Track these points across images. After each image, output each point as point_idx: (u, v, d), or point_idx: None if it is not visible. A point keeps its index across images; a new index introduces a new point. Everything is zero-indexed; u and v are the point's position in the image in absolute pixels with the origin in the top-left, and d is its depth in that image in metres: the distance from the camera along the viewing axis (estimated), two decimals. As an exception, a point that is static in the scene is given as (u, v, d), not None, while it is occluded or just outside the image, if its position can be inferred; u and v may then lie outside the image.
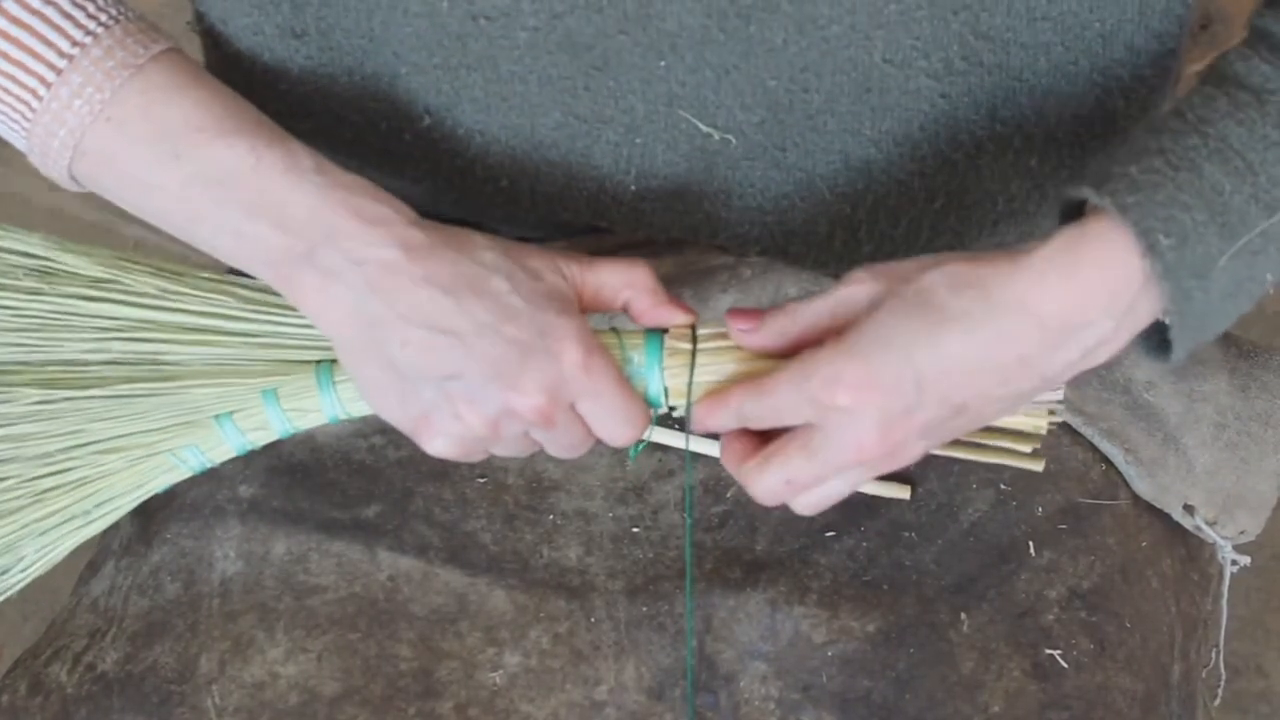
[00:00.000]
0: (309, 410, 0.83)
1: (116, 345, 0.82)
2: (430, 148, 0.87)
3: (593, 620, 0.84)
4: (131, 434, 0.83)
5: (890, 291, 0.74)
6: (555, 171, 0.86)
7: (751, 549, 0.86)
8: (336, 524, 0.86)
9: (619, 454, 0.90)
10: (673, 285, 0.91)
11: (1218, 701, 1.01)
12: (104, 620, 0.86)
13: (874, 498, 0.87)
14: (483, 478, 0.89)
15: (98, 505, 0.85)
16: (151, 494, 0.85)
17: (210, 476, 0.88)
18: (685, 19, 0.79)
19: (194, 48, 0.91)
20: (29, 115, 0.76)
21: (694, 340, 0.79)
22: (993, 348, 0.73)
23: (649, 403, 0.79)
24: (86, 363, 0.82)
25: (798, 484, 0.76)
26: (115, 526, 0.93)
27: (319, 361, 0.83)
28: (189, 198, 0.75)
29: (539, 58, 0.80)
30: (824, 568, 0.85)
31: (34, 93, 0.75)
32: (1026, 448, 0.83)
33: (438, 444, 0.77)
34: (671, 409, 0.80)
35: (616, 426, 0.77)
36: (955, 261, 0.73)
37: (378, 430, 0.90)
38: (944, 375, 0.73)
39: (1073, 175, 0.89)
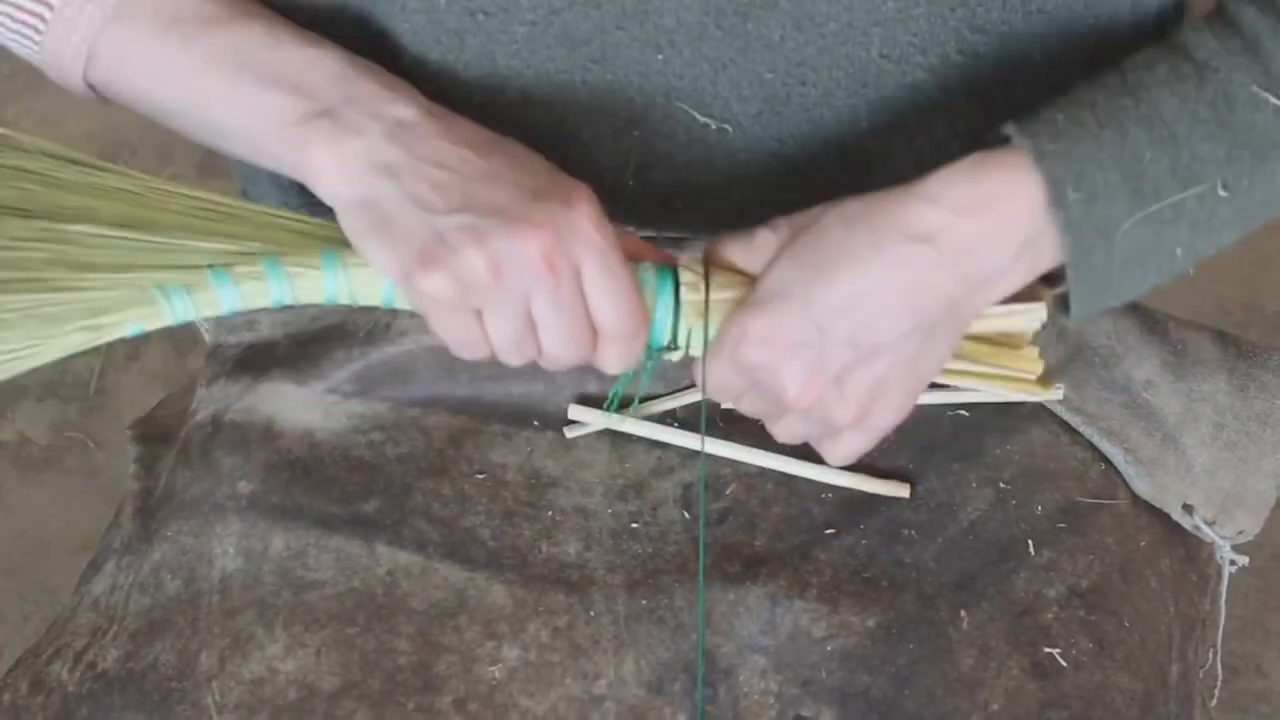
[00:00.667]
0: (310, 270, 0.78)
1: (100, 206, 0.79)
2: None
3: (592, 614, 0.84)
4: (115, 264, 0.78)
5: (791, 239, 0.75)
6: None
7: (751, 544, 0.86)
8: (335, 519, 0.87)
9: (618, 451, 0.90)
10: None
11: (1215, 701, 1.01)
12: (105, 618, 0.86)
13: (874, 496, 0.87)
14: (481, 474, 0.89)
15: (65, 318, 0.78)
16: (129, 331, 0.79)
17: (209, 473, 0.88)
18: (683, 15, 0.79)
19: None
20: (41, 28, 0.78)
21: (707, 286, 0.78)
22: (884, 279, 0.73)
23: (651, 341, 0.78)
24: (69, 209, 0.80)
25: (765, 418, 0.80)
26: (116, 525, 0.93)
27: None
28: (201, 78, 0.77)
29: (536, 52, 0.81)
30: (824, 564, 0.85)
31: (46, 3, 0.78)
32: (1032, 372, 0.82)
33: (434, 281, 0.73)
34: (670, 347, 0.79)
35: (618, 303, 0.75)
36: (852, 200, 0.74)
37: (376, 427, 0.90)
38: (844, 315, 0.74)
39: None
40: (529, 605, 0.84)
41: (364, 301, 0.78)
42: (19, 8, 0.79)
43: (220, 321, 0.96)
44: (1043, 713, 0.81)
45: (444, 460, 0.89)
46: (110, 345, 1.85)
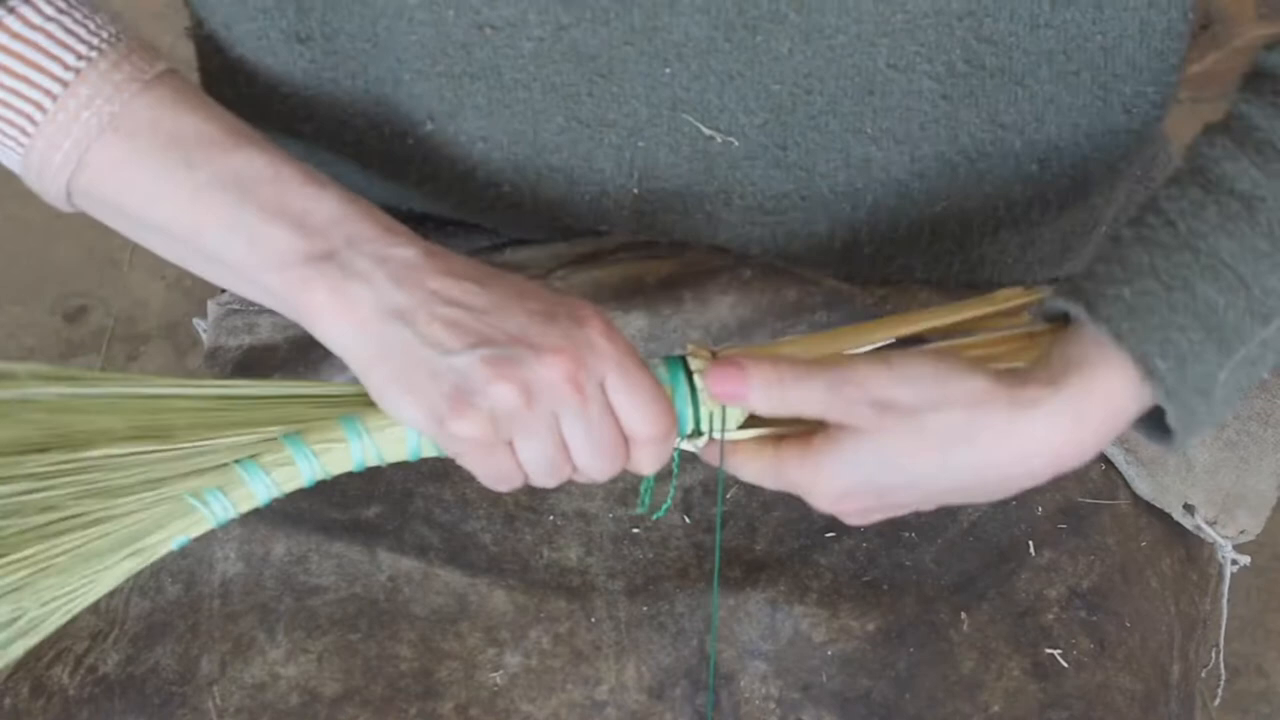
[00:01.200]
0: (335, 444, 0.78)
1: (117, 422, 0.79)
2: (432, 152, 0.87)
3: (593, 620, 0.84)
4: (141, 481, 0.78)
5: (881, 426, 0.74)
6: (557, 176, 0.86)
7: (751, 549, 0.86)
8: (336, 525, 0.86)
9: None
10: (673, 287, 0.91)
11: (1218, 701, 1.01)
12: (105, 622, 0.86)
13: (874, 498, 0.87)
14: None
15: (112, 549, 0.79)
16: (174, 544, 0.79)
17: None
18: (691, 30, 0.79)
19: (190, 54, 0.91)
20: (30, 129, 0.75)
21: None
22: (976, 487, 0.76)
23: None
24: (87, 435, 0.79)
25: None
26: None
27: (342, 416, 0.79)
28: (200, 203, 0.75)
29: (543, 66, 0.80)
30: (824, 568, 0.85)
31: (38, 105, 0.75)
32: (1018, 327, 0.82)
33: (468, 424, 0.73)
34: (694, 434, 0.78)
35: (646, 409, 0.75)
36: (955, 409, 0.73)
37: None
38: (924, 502, 0.78)
39: (1074, 184, 0.89)
40: (530, 611, 0.84)
41: (391, 459, 0.78)
42: (5, 105, 0.75)
43: (219, 324, 0.96)
44: (1044, 714, 0.81)
45: (445, 465, 0.89)
46: (110, 345, 1.86)
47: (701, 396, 0.77)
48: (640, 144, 0.84)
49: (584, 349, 0.73)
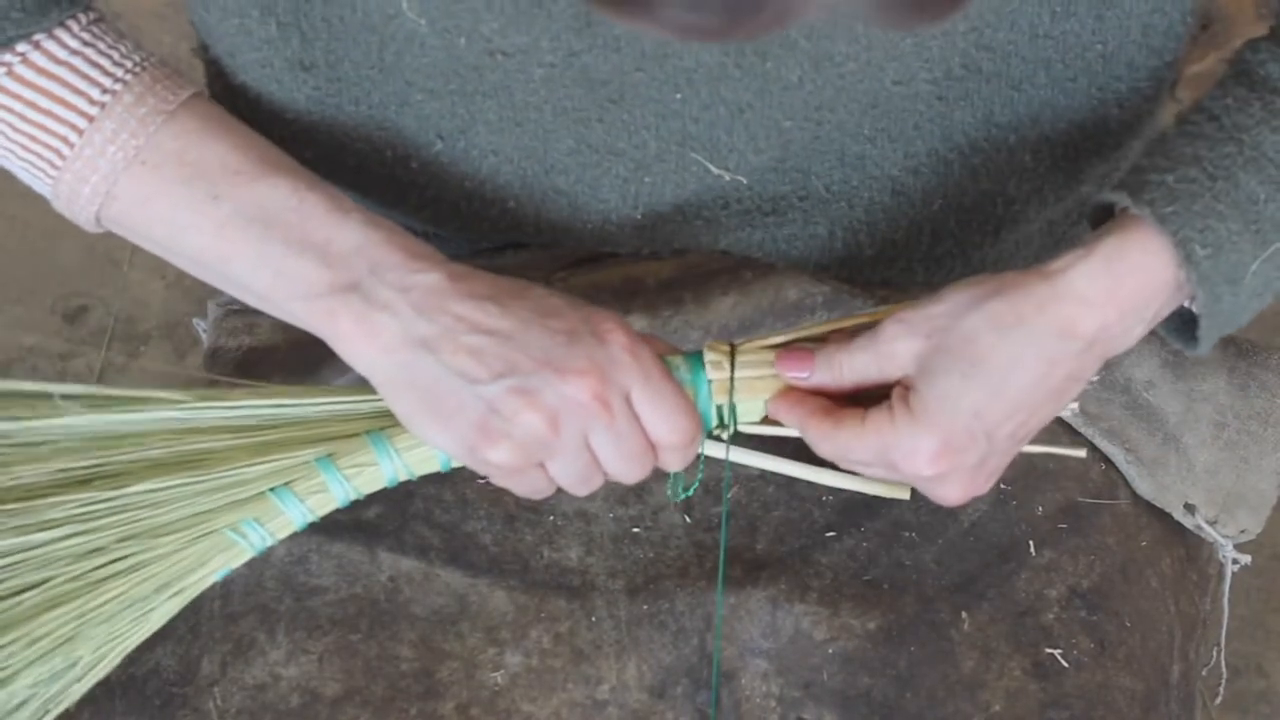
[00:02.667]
0: (366, 466, 0.80)
1: (154, 452, 0.80)
2: (438, 173, 0.87)
3: (594, 619, 0.84)
4: (181, 517, 0.80)
5: (936, 347, 0.75)
6: (562, 199, 0.86)
7: (752, 548, 0.86)
8: (337, 525, 0.86)
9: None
10: (674, 288, 0.91)
11: (1218, 701, 1.01)
12: (105, 622, 0.86)
13: (874, 498, 0.87)
14: (483, 479, 0.89)
15: (157, 590, 0.80)
16: (217, 577, 0.81)
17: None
18: (702, 56, 0.79)
19: (197, 71, 0.91)
20: (58, 164, 0.76)
21: (732, 362, 0.79)
22: (1047, 379, 0.74)
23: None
24: (126, 465, 0.81)
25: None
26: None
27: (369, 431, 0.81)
28: (226, 236, 0.76)
29: (554, 90, 0.80)
30: (824, 567, 0.85)
31: (65, 140, 0.76)
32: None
33: (499, 452, 0.75)
34: (719, 426, 0.79)
35: (671, 418, 0.76)
36: (991, 299, 0.74)
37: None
38: (1010, 418, 0.75)
39: (1068, 178, 0.89)
40: (531, 611, 0.84)
41: (422, 474, 0.80)
42: (33, 139, 0.76)
43: (219, 324, 0.96)
44: (1044, 713, 0.81)
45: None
46: (110, 345, 1.86)
47: (715, 389, 0.78)
48: (647, 179, 0.84)
49: (608, 366, 0.74)
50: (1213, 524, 0.91)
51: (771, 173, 0.85)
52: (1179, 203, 0.73)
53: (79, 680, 0.79)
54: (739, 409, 0.79)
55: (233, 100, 0.87)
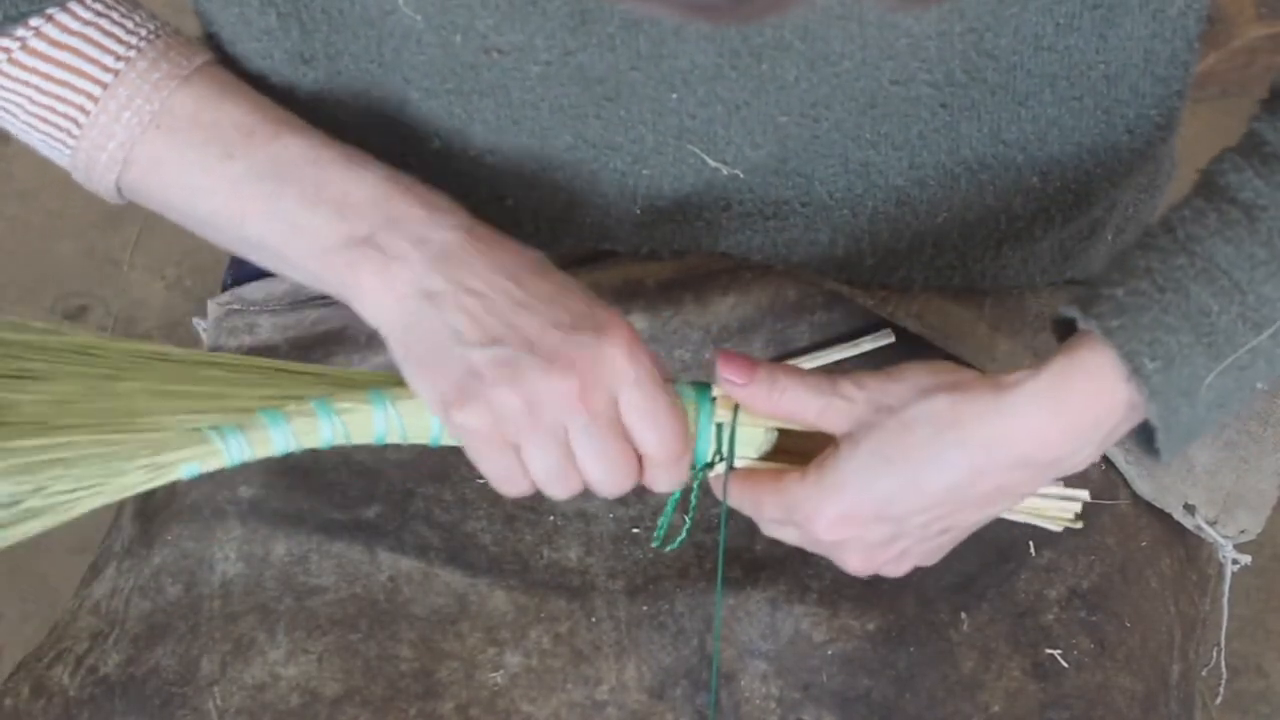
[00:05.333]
0: (359, 408, 0.79)
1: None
2: (439, 166, 0.87)
3: (593, 620, 0.84)
4: (170, 408, 0.80)
5: (873, 423, 0.75)
6: (561, 195, 0.86)
7: (751, 549, 0.86)
8: (337, 525, 0.87)
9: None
10: (674, 289, 0.91)
11: (1218, 701, 1.01)
12: (106, 623, 0.86)
13: (874, 498, 0.87)
14: (482, 479, 0.89)
15: (124, 458, 0.78)
16: (185, 472, 0.78)
17: (210, 478, 0.88)
18: (698, 57, 0.79)
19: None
20: (75, 132, 0.77)
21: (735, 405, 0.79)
22: (971, 486, 0.75)
23: (696, 458, 0.78)
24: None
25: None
26: (117, 528, 0.93)
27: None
28: (241, 194, 0.76)
29: (551, 88, 0.80)
30: (824, 567, 0.85)
31: (81, 108, 0.77)
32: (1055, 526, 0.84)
33: (469, 413, 0.74)
34: (715, 461, 0.79)
35: (658, 429, 0.76)
36: (940, 394, 0.74)
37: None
38: (924, 511, 0.76)
39: (1078, 200, 0.89)
40: (530, 611, 0.84)
41: (414, 439, 0.79)
42: (51, 110, 0.77)
43: (219, 324, 0.96)
44: (1044, 713, 0.81)
45: (445, 465, 0.89)
46: (109, 345, 1.86)
47: (718, 405, 0.78)
48: (645, 172, 0.84)
49: (598, 364, 0.74)
50: (1213, 524, 0.91)
51: (773, 175, 0.85)
52: (1126, 315, 0.72)
53: (15, 524, 0.77)
54: (739, 443, 0.78)
55: None
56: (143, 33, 0.78)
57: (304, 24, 0.81)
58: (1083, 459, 0.75)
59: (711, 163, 0.83)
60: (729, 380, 0.77)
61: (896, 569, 0.79)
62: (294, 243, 0.76)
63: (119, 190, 0.79)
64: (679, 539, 0.83)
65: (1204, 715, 0.93)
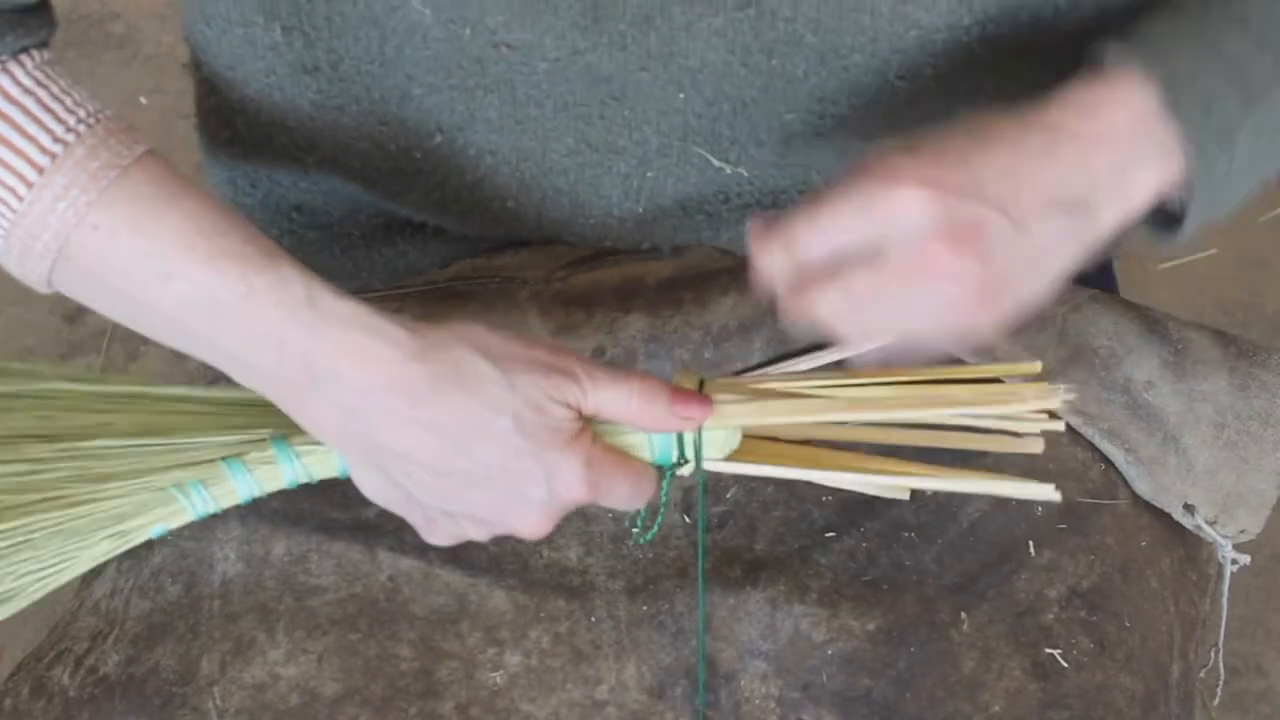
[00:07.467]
0: (319, 446, 0.80)
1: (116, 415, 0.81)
2: (440, 164, 0.87)
3: (593, 620, 0.84)
4: (132, 470, 0.80)
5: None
6: (563, 199, 0.86)
7: (751, 549, 0.86)
8: (336, 524, 0.87)
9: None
10: (674, 288, 0.91)
11: (1218, 701, 1.01)
12: (106, 623, 0.86)
13: (874, 498, 0.87)
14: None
15: (93, 529, 0.81)
16: (153, 532, 0.82)
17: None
18: (708, 55, 0.79)
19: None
20: (9, 216, 0.72)
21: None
22: (1035, 155, 0.71)
23: (660, 464, 0.79)
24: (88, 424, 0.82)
25: (857, 295, 0.71)
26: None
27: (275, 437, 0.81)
28: (183, 320, 0.73)
29: (557, 85, 0.80)
30: (824, 567, 0.85)
31: (13, 192, 0.71)
32: (1035, 446, 0.82)
33: (439, 539, 0.79)
34: (679, 463, 0.79)
35: (625, 503, 0.78)
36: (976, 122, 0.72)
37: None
38: (996, 177, 0.70)
39: None
40: (530, 611, 0.84)
41: None
42: None
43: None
44: (1044, 713, 0.81)
45: (444, 465, 0.89)
46: (110, 346, 1.86)
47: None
48: (649, 174, 0.84)
49: (559, 512, 0.77)
50: (1212, 524, 0.91)
51: (773, 167, 0.85)
52: (1166, 59, 0.72)
53: (1, 602, 0.80)
54: (701, 444, 0.78)
55: (229, 116, 0.87)
56: (81, 113, 0.73)
57: (307, 34, 0.81)
58: (1129, 162, 0.73)
59: (716, 163, 0.83)
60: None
61: (982, 268, 0.70)
62: (238, 375, 0.75)
63: (49, 283, 0.74)
64: (651, 533, 0.83)
65: (1204, 715, 0.93)
